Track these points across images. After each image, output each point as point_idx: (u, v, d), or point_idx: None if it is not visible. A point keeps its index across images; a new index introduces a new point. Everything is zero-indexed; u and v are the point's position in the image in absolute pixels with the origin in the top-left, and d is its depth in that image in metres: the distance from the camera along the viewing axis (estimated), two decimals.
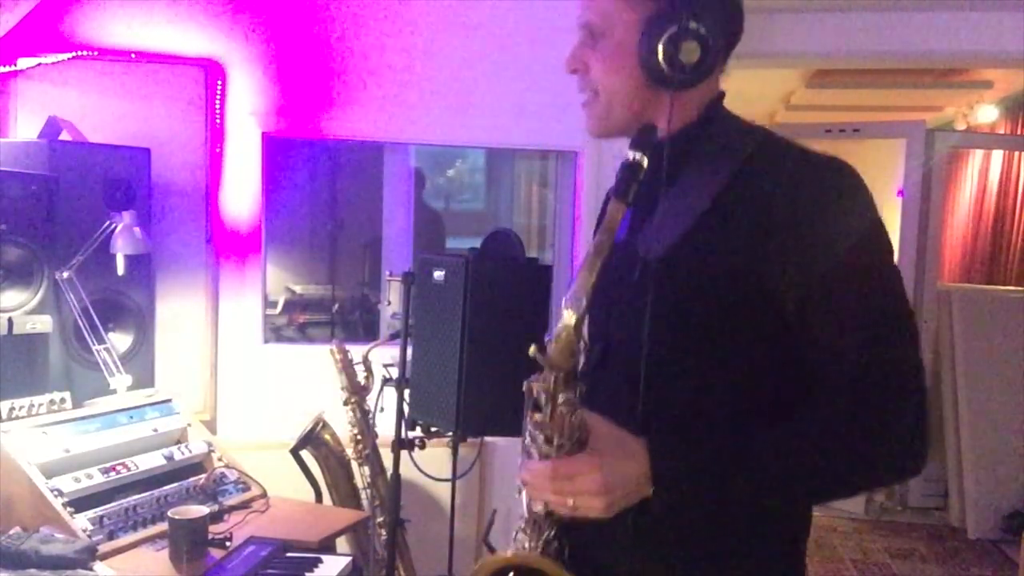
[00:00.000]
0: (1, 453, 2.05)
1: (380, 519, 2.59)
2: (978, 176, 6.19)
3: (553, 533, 1.09)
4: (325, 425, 2.76)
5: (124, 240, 2.48)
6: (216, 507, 2.24)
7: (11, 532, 1.91)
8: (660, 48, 1.10)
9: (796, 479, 1.06)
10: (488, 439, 3.15)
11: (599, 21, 1.16)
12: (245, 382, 3.17)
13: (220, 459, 2.48)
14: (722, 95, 1.20)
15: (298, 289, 4.39)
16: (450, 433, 2.25)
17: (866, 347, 1.03)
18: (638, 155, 1.04)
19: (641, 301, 1.11)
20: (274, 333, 3.87)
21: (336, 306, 4.42)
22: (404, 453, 2.35)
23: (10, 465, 2.04)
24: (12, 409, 2.18)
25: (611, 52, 1.15)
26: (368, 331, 4.25)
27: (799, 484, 1.07)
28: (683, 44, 1.09)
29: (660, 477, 1.02)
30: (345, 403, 2.71)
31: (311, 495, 2.71)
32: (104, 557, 1.97)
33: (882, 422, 1.03)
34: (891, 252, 1.09)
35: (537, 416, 1.05)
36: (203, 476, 2.35)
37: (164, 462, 2.34)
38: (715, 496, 1.05)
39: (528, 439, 1.07)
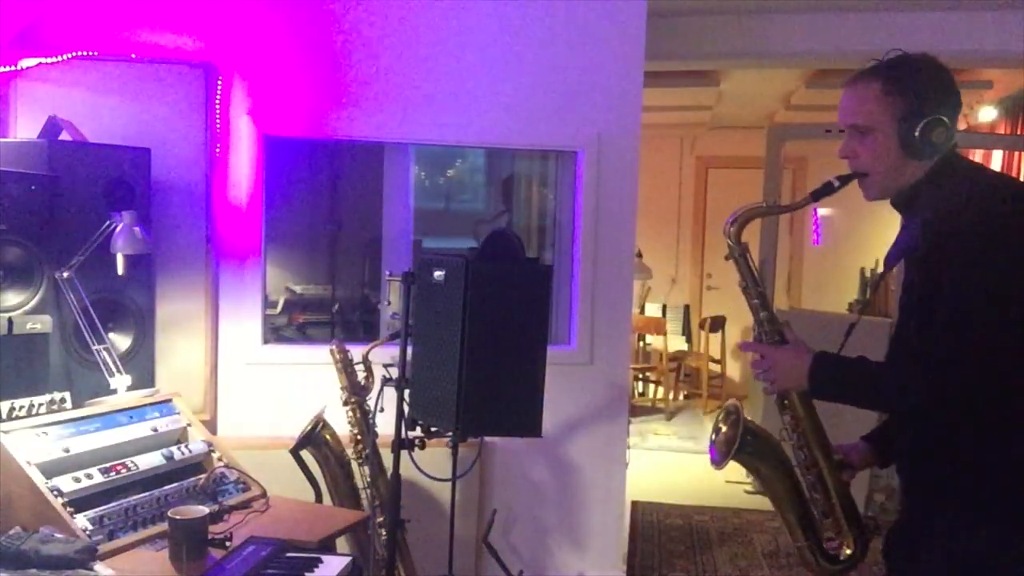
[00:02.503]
0: (1, 453, 2.05)
1: (380, 519, 2.60)
2: None
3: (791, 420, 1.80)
4: (325, 425, 2.76)
5: (124, 240, 2.48)
6: (216, 507, 2.24)
7: (11, 532, 1.91)
8: (917, 134, 1.60)
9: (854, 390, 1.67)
10: (488, 439, 3.16)
11: (865, 122, 1.67)
12: (245, 382, 3.17)
13: (220, 459, 2.48)
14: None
15: (298, 289, 4.38)
16: (450, 433, 2.25)
17: (921, 350, 1.58)
18: (838, 182, 1.71)
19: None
20: (274, 333, 3.86)
21: (336, 306, 4.40)
22: (404, 453, 2.35)
23: (10, 465, 2.04)
24: (12, 409, 2.18)
25: (879, 144, 1.65)
26: (368, 331, 4.24)
27: (856, 391, 1.67)
28: (935, 130, 1.60)
29: (812, 376, 1.64)
30: (345, 403, 2.72)
31: (311, 495, 2.71)
32: (104, 557, 1.97)
33: (891, 388, 1.62)
34: (993, 306, 1.47)
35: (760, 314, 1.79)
36: (203, 476, 2.35)
37: (164, 462, 2.34)
38: (836, 392, 1.67)
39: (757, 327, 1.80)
